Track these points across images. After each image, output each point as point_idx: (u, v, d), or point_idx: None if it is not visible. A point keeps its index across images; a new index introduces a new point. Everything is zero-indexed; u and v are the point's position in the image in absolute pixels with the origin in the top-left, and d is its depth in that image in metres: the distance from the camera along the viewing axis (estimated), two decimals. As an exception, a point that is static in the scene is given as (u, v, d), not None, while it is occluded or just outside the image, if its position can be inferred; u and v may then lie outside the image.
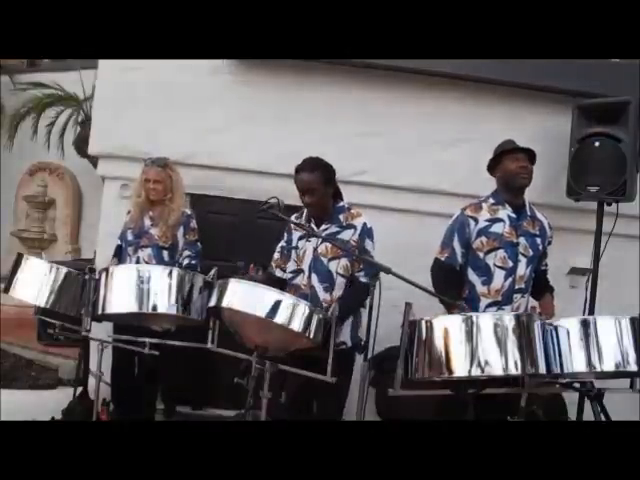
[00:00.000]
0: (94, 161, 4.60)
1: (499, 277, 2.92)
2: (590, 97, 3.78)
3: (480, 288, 2.94)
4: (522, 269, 2.94)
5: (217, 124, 4.08)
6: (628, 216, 3.74)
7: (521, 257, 2.94)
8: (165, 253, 3.48)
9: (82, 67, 5.52)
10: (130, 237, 3.55)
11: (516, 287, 2.93)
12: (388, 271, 2.38)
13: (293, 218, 3.01)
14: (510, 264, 2.92)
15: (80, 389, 3.56)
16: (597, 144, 3.65)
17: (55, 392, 4.19)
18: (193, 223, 3.57)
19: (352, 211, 2.94)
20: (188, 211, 3.60)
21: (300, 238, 2.97)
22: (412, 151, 4.08)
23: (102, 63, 4.21)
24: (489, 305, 2.91)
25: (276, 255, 3.08)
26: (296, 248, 2.97)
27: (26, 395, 4.08)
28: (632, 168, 3.59)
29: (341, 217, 2.91)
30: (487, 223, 2.97)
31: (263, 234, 4.09)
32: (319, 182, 2.84)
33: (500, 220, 2.97)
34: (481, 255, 2.94)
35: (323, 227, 2.91)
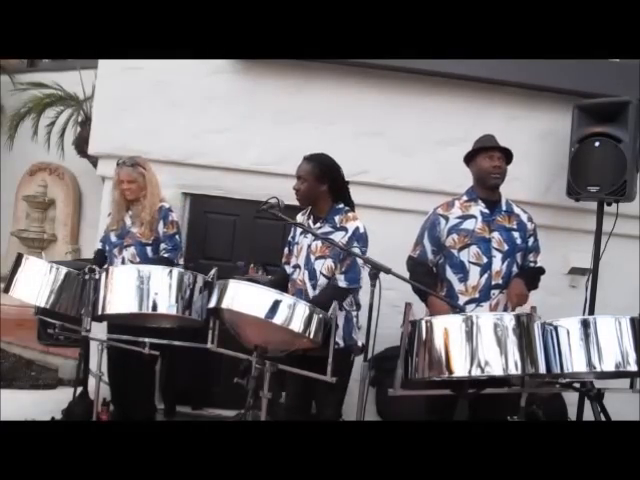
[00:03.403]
0: (94, 161, 4.60)
1: (474, 274, 2.90)
2: (590, 97, 3.78)
3: (457, 286, 2.92)
4: (497, 264, 2.90)
5: (217, 124, 4.08)
6: (628, 216, 3.74)
7: (495, 252, 2.91)
8: (148, 249, 3.46)
9: (82, 67, 5.53)
10: (114, 239, 3.53)
11: (493, 283, 2.89)
12: (388, 271, 2.38)
13: (299, 215, 3.03)
14: (485, 260, 2.90)
15: (80, 389, 3.57)
16: (597, 144, 3.65)
17: (55, 392, 4.19)
18: (172, 216, 3.53)
19: (349, 214, 2.93)
20: (167, 205, 3.55)
21: (301, 233, 2.99)
22: (412, 151, 4.08)
23: (102, 63, 4.21)
24: (467, 302, 2.89)
25: (285, 251, 3.11)
26: (297, 243, 2.99)
27: (26, 395, 4.09)
28: (632, 168, 3.59)
29: (336, 218, 2.91)
30: (458, 220, 2.96)
31: (263, 234, 4.11)
32: (309, 172, 2.87)
33: (472, 217, 2.95)
34: (455, 252, 2.93)
35: (317, 226, 2.92)
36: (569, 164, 3.77)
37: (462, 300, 2.90)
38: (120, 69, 4.05)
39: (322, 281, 2.85)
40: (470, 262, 2.90)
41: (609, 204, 3.69)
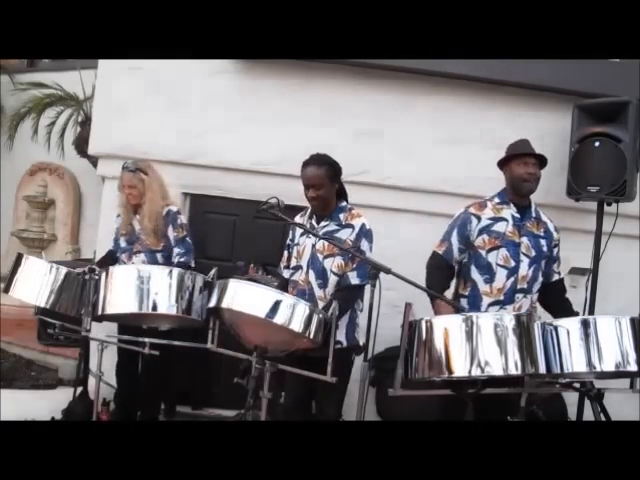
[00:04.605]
0: (94, 161, 4.60)
1: (501, 276, 2.91)
2: (590, 97, 3.78)
3: (482, 287, 2.93)
4: (524, 269, 2.92)
5: (217, 124, 4.08)
6: (628, 216, 3.74)
7: (523, 257, 2.92)
8: (159, 256, 3.46)
9: (82, 67, 5.53)
10: (123, 244, 3.53)
11: (518, 287, 2.91)
12: (388, 271, 2.38)
13: (298, 216, 3.04)
14: (512, 263, 2.91)
15: (80, 389, 3.57)
16: (597, 144, 3.64)
17: (55, 392, 4.19)
18: (180, 219, 3.52)
19: (353, 211, 2.95)
20: (174, 208, 3.53)
21: (302, 234, 2.99)
22: (412, 151, 4.08)
23: (102, 63, 4.21)
24: (491, 304, 2.90)
25: (285, 254, 3.10)
26: (297, 244, 3.00)
27: (26, 395, 4.09)
28: (632, 168, 3.59)
29: (341, 216, 2.92)
30: (490, 221, 2.97)
31: (263, 234, 4.11)
32: (325, 177, 2.86)
33: (503, 219, 2.97)
34: (483, 253, 2.93)
35: (322, 224, 2.92)
36: (569, 164, 3.77)
37: (486, 301, 2.91)
38: (120, 69, 4.05)
39: (333, 279, 2.86)
40: (498, 264, 2.91)
41: (609, 204, 3.69)
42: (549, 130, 4.01)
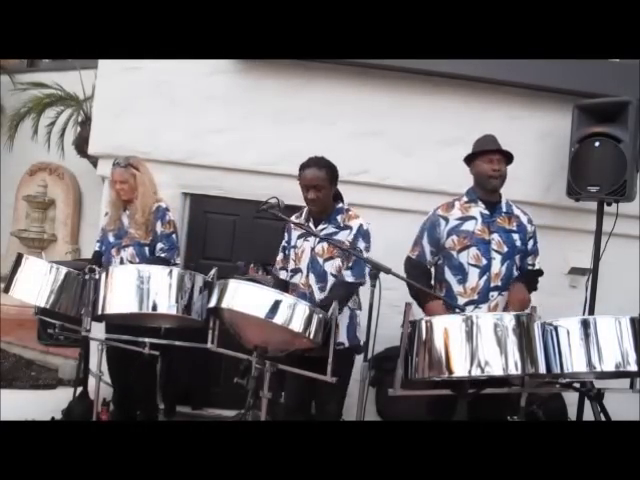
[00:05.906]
0: (94, 161, 4.60)
1: (474, 275, 2.88)
2: (590, 97, 3.78)
3: (456, 287, 2.91)
4: (497, 266, 2.89)
5: (217, 124, 4.08)
6: (628, 216, 3.74)
7: (495, 254, 2.90)
8: (146, 249, 3.47)
9: (82, 67, 5.53)
10: (112, 239, 3.53)
11: (492, 285, 2.88)
12: (388, 271, 2.38)
13: (293, 217, 3.02)
14: (484, 262, 2.88)
15: (80, 389, 3.57)
16: (597, 144, 3.64)
17: (55, 392, 4.20)
18: (169, 216, 3.54)
19: (350, 212, 2.96)
20: (163, 204, 3.55)
21: (299, 237, 2.98)
22: (412, 151, 4.08)
23: (102, 63, 4.21)
24: (466, 304, 2.87)
25: (279, 256, 3.09)
26: (294, 247, 2.98)
27: (26, 395, 4.09)
28: (632, 168, 3.59)
29: (339, 218, 2.93)
30: (458, 222, 2.95)
31: (263, 234, 4.11)
32: (325, 179, 2.87)
33: (472, 218, 2.94)
34: (455, 254, 2.92)
35: (320, 227, 2.92)
36: (569, 164, 3.77)
37: (461, 302, 2.88)
38: (120, 69, 4.05)
39: (332, 281, 2.86)
40: (469, 264, 2.89)
41: (609, 204, 3.69)
42: (549, 130, 4.01)
